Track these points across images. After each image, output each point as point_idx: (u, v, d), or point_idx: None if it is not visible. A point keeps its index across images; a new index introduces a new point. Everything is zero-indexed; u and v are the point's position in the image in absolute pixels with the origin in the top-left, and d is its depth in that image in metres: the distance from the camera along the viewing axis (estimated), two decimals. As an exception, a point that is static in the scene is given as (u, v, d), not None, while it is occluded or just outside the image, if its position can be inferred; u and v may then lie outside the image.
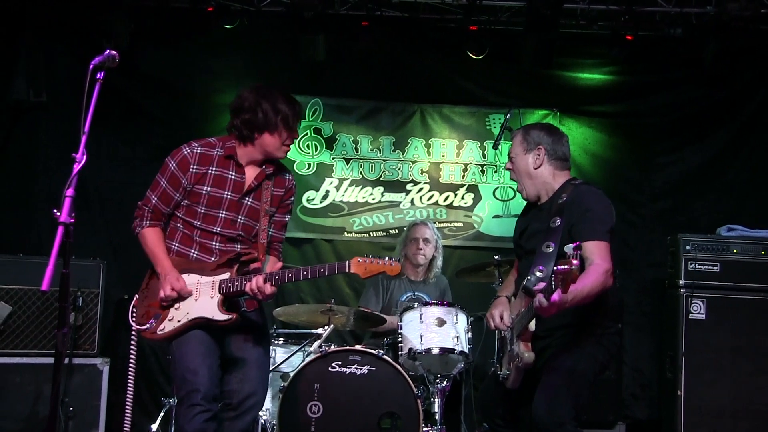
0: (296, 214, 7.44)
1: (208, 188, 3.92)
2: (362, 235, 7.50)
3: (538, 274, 3.47)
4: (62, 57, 6.85)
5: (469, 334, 5.38)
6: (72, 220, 3.08)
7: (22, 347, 5.67)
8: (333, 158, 7.56)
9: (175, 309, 3.85)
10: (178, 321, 3.83)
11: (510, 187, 7.49)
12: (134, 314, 3.96)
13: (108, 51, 3.44)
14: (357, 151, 7.58)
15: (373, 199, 7.56)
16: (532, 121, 7.48)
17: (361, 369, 5.03)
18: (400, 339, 5.36)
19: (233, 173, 3.95)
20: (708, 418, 6.22)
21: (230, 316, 3.81)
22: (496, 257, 5.91)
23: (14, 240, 6.52)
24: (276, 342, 5.69)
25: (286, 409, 4.94)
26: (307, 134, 7.55)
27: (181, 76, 7.30)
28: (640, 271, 7.38)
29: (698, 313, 6.33)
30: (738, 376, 6.26)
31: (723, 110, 7.53)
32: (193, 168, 3.91)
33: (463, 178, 7.61)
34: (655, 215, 7.54)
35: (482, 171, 7.61)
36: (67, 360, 5.59)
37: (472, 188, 7.60)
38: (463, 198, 7.58)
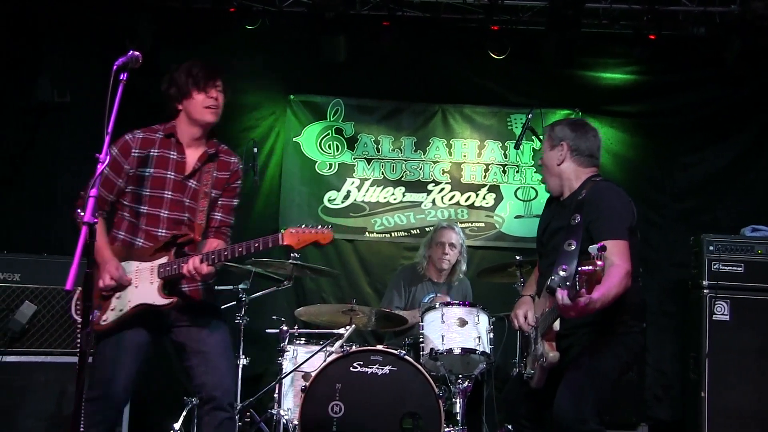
0: (317, 214, 7.47)
1: (151, 170, 3.91)
2: (383, 235, 7.50)
3: (561, 273, 3.43)
4: (86, 58, 6.88)
5: (491, 335, 5.36)
6: (95, 220, 3.11)
7: (46, 346, 5.69)
8: (354, 158, 7.57)
9: (117, 298, 3.81)
10: (120, 310, 3.79)
11: (532, 188, 7.47)
12: (78, 307, 3.98)
13: (131, 52, 3.48)
14: (378, 152, 7.59)
15: (395, 199, 7.56)
16: (554, 121, 7.46)
17: (382, 369, 5.03)
18: (421, 339, 5.36)
19: (174, 153, 3.95)
20: (732, 419, 6.17)
21: (170, 300, 3.79)
22: (517, 257, 5.89)
23: (38, 239, 6.57)
24: (297, 342, 5.70)
25: (307, 409, 4.95)
26: (328, 134, 7.57)
27: (203, 77, 7.32)
28: (663, 271, 7.33)
29: (722, 314, 6.29)
30: (762, 378, 6.20)
31: (746, 109, 7.47)
32: (135, 152, 3.91)
33: (484, 178, 7.60)
34: (678, 215, 7.49)
35: (504, 171, 7.59)
36: (91, 359, 5.61)
37: (494, 188, 7.58)
38: (484, 198, 7.57)
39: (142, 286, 3.81)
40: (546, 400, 3.86)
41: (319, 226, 3.77)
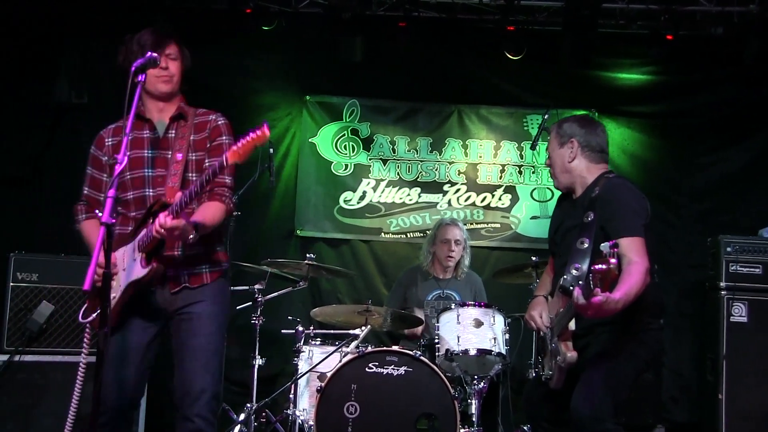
0: (333, 214, 7.48)
1: (128, 152, 3.60)
2: (399, 236, 7.50)
3: (574, 272, 3.47)
4: (104, 59, 6.91)
5: (507, 336, 5.36)
6: (113, 221, 3.12)
7: (63, 345, 5.74)
8: (370, 159, 7.57)
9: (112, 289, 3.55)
10: (114, 297, 3.60)
11: (548, 188, 7.45)
12: (85, 312, 3.76)
13: (149, 53, 3.49)
14: (394, 152, 7.59)
15: (410, 200, 7.56)
16: (560, 119, 7.44)
17: (398, 370, 5.03)
18: (437, 340, 5.36)
19: (147, 132, 3.77)
20: (750, 422, 6.13)
21: (149, 268, 3.54)
22: (533, 258, 5.88)
23: (56, 240, 6.61)
24: (313, 342, 5.71)
25: (323, 410, 4.95)
26: (344, 135, 7.58)
27: (220, 78, 7.34)
28: (681, 272, 7.29)
29: (740, 316, 6.25)
30: (781, 380, 6.17)
31: (764, 109, 7.40)
32: (108, 141, 3.83)
33: (500, 179, 7.58)
34: (695, 216, 7.45)
35: (520, 172, 7.58)
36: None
37: (510, 189, 7.57)
38: (500, 199, 7.56)
39: (129, 266, 3.62)
40: (565, 402, 3.84)
41: (254, 128, 3.40)
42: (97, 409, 3.11)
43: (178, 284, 3.71)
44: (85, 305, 3.79)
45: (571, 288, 3.38)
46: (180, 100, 3.88)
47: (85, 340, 3.51)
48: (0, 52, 6.84)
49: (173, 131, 3.81)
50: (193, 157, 3.76)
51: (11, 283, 5.77)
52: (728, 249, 6.33)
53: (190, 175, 3.74)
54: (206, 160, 3.76)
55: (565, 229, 4.00)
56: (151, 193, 3.71)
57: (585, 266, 3.51)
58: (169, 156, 3.75)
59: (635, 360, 3.78)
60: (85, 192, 3.90)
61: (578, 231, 3.76)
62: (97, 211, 3.75)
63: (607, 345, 3.79)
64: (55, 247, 6.13)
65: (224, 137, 3.82)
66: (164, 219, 3.40)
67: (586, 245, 3.65)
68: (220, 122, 3.85)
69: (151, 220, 3.55)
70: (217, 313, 3.75)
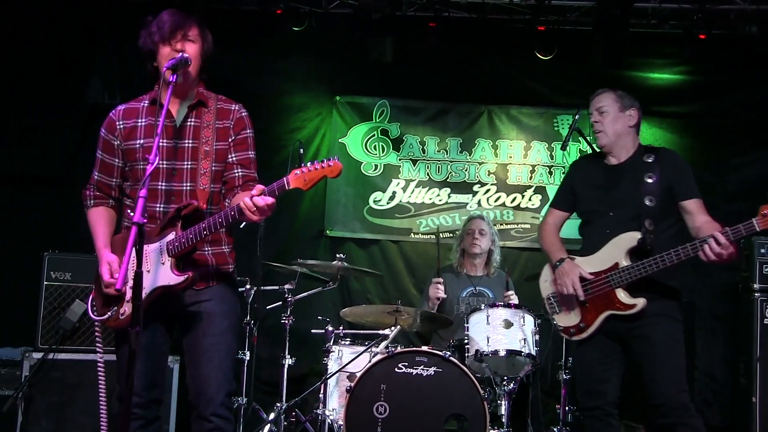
0: (363, 215, 7.50)
1: (141, 141, 3.62)
2: (429, 236, 7.50)
3: (648, 228, 4.10)
4: (136, 60, 6.92)
5: (537, 337, 5.34)
6: (145, 221, 3.13)
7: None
8: (400, 159, 7.58)
9: (131, 288, 3.39)
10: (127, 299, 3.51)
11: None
12: (94, 306, 3.68)
13: (181, 54, 3.50)
14: (424, 153, 7.59)
15: (440, 200, 7.56)
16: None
17: (427, 370, 5.02)
18: (466, 340, 5.35)
19: (165, 119, 3.51)
20: (783, 426, 6.06)
21: (185, 276, 3.47)
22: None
23: (89, 239, 6.65)
24: (343, 342, 5.72)
25: (352, 410, 4.95)
26: (374, 135, 7.59)
27: (250, 78, 7.38)
28: (713, 274, 7.19)
29: (774, 318, 6.18)
30: (815, 383, 6.08)
31: (798, 110, 7.32)
32: (119, 124, 3.68)
33: (530, 179, 7.56)
34: (729, 217, 7.26)
35: (550, 172, 7.54)
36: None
37: (540, 190, 7.54)
38: (530, 199, 7.53)
39: (154, 268, 3.50)
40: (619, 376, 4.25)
41: (325, 160, 3.31)
42: (129, 408, 3.10)
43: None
44: (92, 300, 3.71)
45: (647, 241, 4.07)
46: (200, 86, 3.74)
47: (97, 338, 3.44)
48: (34, 53, 6.93)
49: (192, 119, 3.66)
50: (217, 148, 3.65)
51: (45, 282, 5.84)
52: (762, 251, 6.25)
53: (215, 166, 3.64)
54: (230, 155, 3.67)
55: (619, 194, 4.30)
56: (162, 187, 3.59)
57: (655, 221, 4.12)
58: (187, 146, 3.62)
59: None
60: (96, 177, 3.77)
61: (638, 191, 4.20)
62: (111, 201, 3.78)
63: (673, 325, 4.18)
64: (89, 247, 6.14)
65: (248, 131, 3.74)
66: (263, 201, 3.29)
67: (653, 203, 4.16)
68: (243, 114, 3.76)
69: (180, 223, 3.50)
70: (227, 311, 3.67)
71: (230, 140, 3.68)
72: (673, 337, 4.14)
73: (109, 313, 3.59)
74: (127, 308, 3.51)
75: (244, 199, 3.31)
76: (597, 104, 4.51)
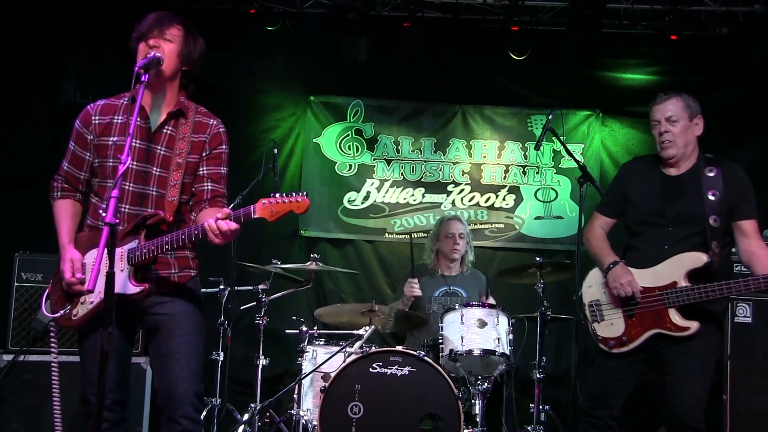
0: (337, 215, 7.49)
1: (114, 138, 3.58)
2: (403, 236, 7.50)
3: (715, 250, 3.94)
4: (109, 59, 6.93)
5: (511, 336, 5.36)
6: (117, 221, 3.10)
7: (68, 345, 5.67)
8: (374, 159, 7.58)
9: (88, 291, 3.31)
10: (91, 302, 3.50)
11: (552, 189, 7.45)
12: (48, 301, 3.66)
13: (153, 54, 3.48)
14: (398, 152, 7.59)
15: (414, 200, 7.56)
16: (574, 123, 7.45)
17: (402, 370, 5.02)
18: (440, 340, 5.36)
19: (138, 119, 3.51)
20: (754, 423, 6.10)
21: (142, 287, 3.45)
22: (537, 259, 5.88)
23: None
24: (317, 342, 5.71)
25: (327, 410, 4.95)
26: (348, 135, 7.58)
27: (225, 78, 7.35)
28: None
29: (744, 317, 6.22)
30: (786, 382, 6.14)
31: (771, 111, 7.39)
32: (95, 119, 3.64)
33: (504, 179, 7.58)
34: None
35: (524, 172, 7.57)
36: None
37: (514, 189, 7.56)
38: (504, 199, 7.55)
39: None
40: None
41: (294, 194, 3.35)
42: (101, 410, 3.08)
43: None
44: (47, 295, 3.67)
45: (714, 265, 3.91)
46: (180, 94, 3.73)
47: (52, 338, 3.39)
48: (7, 52, 6.86)
49: (169, 128, 3.65)
50: (189, 160, 3.64)
51: (16, 283, 5.80)
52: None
53: (186, 178, 3.64)
54: (202, 168, 3.67)
55: (681, 206, 4.09)
56: (129, 187, 3.55)
57: (719, 244, 3.98)
58: (161, 152, 3.61)
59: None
60: (65, 168, 3.71)
61: (700, 207, 4.02)
62: (78, 195, 3.73)
63: (711, 345, 4.08)
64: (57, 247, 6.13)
65: (224, 146, 3.73)
66: (227, 225, 3.30)
67: (718, 224, 4.01)
68: (221, 129, 3.74)
69: (144, 233, 3.49)
70: (190, 312, 3.65)
71: (204, 154, 3.67)
72: (708, 358, 4.06)
73: (61, 312, 3.59)
74: (80, 310, 3.52)
75: (209, 221, 3.33)
76: (666, 112, 4.21)
